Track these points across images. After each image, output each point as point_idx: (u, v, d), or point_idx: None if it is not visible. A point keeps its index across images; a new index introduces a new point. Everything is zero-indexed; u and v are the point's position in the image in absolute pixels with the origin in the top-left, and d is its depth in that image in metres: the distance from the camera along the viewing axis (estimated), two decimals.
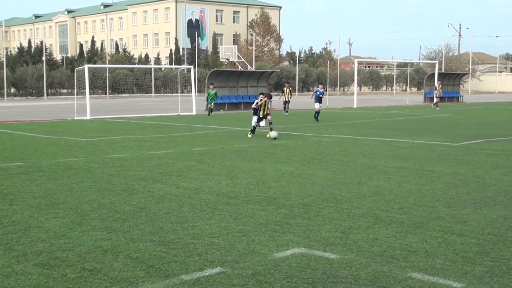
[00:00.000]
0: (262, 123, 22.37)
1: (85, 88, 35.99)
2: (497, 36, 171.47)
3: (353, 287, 6.09)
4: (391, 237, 7.96)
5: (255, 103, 22.72)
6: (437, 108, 43.96)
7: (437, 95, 46.76)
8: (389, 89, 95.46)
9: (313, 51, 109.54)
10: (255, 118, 22.59)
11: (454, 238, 7.92)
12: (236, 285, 6.13)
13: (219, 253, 7.20)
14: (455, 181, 12.36)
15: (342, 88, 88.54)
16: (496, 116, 36.01)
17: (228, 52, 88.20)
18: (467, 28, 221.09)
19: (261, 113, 22.23)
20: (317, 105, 31.26)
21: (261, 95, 23.12)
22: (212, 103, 35.76)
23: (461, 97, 60.84)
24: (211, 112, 35.62)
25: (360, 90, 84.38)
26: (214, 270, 6.58)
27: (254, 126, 22.25)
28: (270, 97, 23.49)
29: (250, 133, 22.30)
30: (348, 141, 20.53)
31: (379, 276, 6.40)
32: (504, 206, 9.95)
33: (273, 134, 21.26)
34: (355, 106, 45.90)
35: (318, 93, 31.87)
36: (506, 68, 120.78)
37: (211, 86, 36.06)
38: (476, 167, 14.27)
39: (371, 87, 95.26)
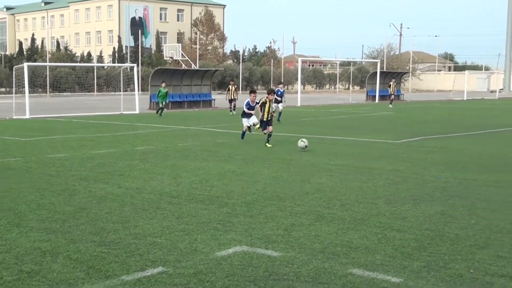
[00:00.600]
0: (263, 129, 19.04)
1: (24, 87, 35.20)
2: (436, 36, 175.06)
3: (294, 284, 6.14)
4: (333, 234, 8.05)
5: (249, 104, 19.84)
6: (390, 106, 44.39)
7: (392, 93, 47.00)
8: (332, 87, 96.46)
9: (257, 50, 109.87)
10: (247, 121, 19.88)
11: (393, 234, 8.06)
12: (178, 285, 6.11)
13: (161, 252, 7.16)
14: (395, 178, 12.58)
15: (286, 87, 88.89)
16: (434, 114, 36.80)
17: (172, 51, 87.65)
18: (408, 28, 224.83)
19: (265, 115, 18.64)
20: (279, 106, 29.88)
21: (252, 94, 20.02)
22: (164, 102, 34.25)
23: (402, 96, 61.93)
24: (162, 111, 33.66)
25: (303, 88, 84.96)
26: (155, 270, 6.54)
27: (250, 125, 19.78)
28: (275, 92, 20.53)
29: (242, 137, 19.76)
30: (290, 139, 20.65)
31: (320, 273, 6.47)
32: (441, 202, 10.18)
33: (302, 144, 17.23)
34: (298, 105, 46.22)
35: (279, 93, 30.51)
36: (444, 67, 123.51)
37: (163, 84, 35.00)
38: (415, 164, 14.56)
39: (315, 85, 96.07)
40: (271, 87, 30.78)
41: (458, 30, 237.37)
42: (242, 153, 16.54)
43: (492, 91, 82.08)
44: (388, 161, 15.00)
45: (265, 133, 18.66)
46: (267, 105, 18.65)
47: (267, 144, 18.24)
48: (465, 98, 61.41)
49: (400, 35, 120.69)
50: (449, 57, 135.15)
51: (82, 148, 17.57)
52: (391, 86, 47.52)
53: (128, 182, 11.94)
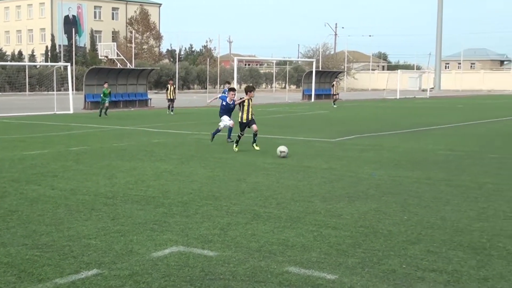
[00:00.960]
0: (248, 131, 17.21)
1: None
2: (370, 36, 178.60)
3: (231, 284, 6.15)
4: (269, 232, 8.10)
5: (227, 100, 18.48)
6: (334, 106, 44.80)
7: (334, 93, 47.31)
8: (269, 86, 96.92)
9: (193, 49, 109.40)
10: (226, 120, 18.70)
11: (329, 231, 8.16)
12: (113, 286, 6.03)
13: (96, 254, 7.05)
14: (331, 176, 12.75)
15: (222, 86, 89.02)
16: (369, 113, 37.45)
17: (107, 50, 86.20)
18: (343, 28, 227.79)
19: (245, 116, 16.89)
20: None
21: (231, 92, 18.52)
22: (106, 102, 33.33)
23: (337, 95, 62.67)
24: (105, 111, 32.80)
25: (240, 88, 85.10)
26: (90, 272, 6.44)
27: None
28: (254, 90, 18.01)
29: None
30: (224, 137, 20.66)
31: (256, 272, 6.49)
32: (375, 199, 10.37)
33: (281, 148, 15.69)
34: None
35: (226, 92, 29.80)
36: (378, 66, 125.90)
37: (105, 85, 34.13)
38: (350, 162, 14.78)
39: (251, 84, 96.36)
40: (245, 86, 25.99)
41: (391, 30, 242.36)
42: (178, 153, 16.45)
43: (423, 90, 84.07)
44: (323, 160, 15.18)
45: (241, 135, 16.82)
46: (246, 104, 16.89)
47: (254, 145, 16.91)
48: (398, 97, 62.74)
49: (335, 34, 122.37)
50: (382, 56, 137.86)
51: (13, 149, 17.13)
52: (334, 86, 48.00)
53: (61, 183, 11.71)
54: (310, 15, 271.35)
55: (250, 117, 16.81)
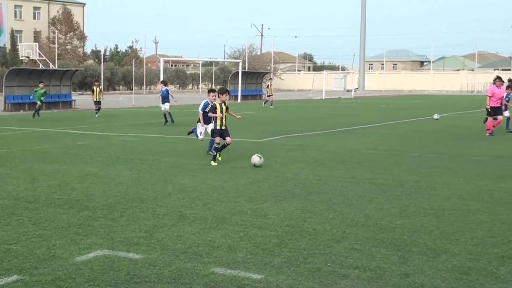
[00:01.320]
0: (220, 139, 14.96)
1: None
2: (296, 37, 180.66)
3: (156, 286, 6.09)
4: (195, 233, 8.07)
5: (206, 107, 15.85)
6: (271, 107, 44.85)
7: (269, 94, 47.32)
8: (195, 87, 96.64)
9: (118, 50, 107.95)
10: (201, 128, 16.81)
11: (255, 231, 8.20)
12: None
13: (17, 260, 6.86)
14: (257, 176, 12.81)
15: (148, 87, 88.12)
16: (295, 113, 37.84)
17: (28, 50, 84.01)
18: (269, 29, 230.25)
19: (218, 122, 14.86)
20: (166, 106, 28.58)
21: (212, 94, 15.81)
22: (39, 102, 31.95)
23: (264, 95, 63.13)
24: (38, 113, 31.34)
25: (155, 88, 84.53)
26: (10, 278, 6.26)
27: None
28: (228, 92, 15.93)
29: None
30: (153, 140, 20.51)
31: (182, 273, 6.46)
32: (301, 198, 10.49)
33: (255, 159, 14.24)
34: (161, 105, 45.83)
35: (163, 93, 29.13)
36: (304, 67, 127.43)
37: (40, 85, 32.94)
38: (276, 162, 14.89)
39: (178, 85, 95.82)
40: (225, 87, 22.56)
41: (317, 31, 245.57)
42: (103, 155, 16.18)
43: (348, 90, 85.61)
44: (250, 160, 15.19)
45: (217, 145, 14.82)
46: (218, 109, 14.83)
47: (217, 157, 14.79)
48: (323, 97, 63.65)
49: (262, 35, 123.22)
50: (308, 57, 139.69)
51: None
52: (269, 87, 48.14)
53: None
54: (236, 16, 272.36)
55: (225, 124, 14.88)
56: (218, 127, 14.88)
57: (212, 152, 15.07)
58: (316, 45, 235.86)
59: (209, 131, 16.18)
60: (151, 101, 53.44)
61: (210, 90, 16.23)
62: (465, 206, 9.93)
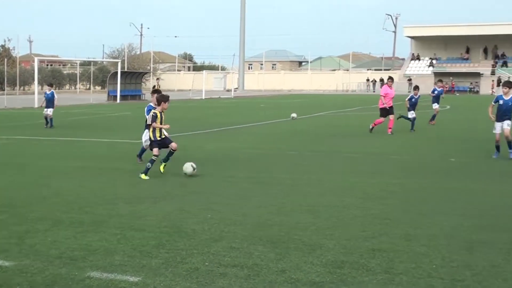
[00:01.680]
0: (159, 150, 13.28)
1: None
2: (176, 37, 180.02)
3: None
4: (71, 238, 7.86)
5: (150, 116, 13.28)
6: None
7: None
8: (73, 88, 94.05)
9: None
10: (147, 136, 14.00)
11: (132, 233, 8.10)
12: None
13: None
14: (135, 178, 12.63)
15: (22, 87, 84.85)
16: (175, 113, 37.57)
17: None
18: (148, 28, 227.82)
19: (157, 132, 13.13)
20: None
21: (155, 95, 13.88)
22: None
23: (143, 95, 62.41)
24: None
25: (42, 89, 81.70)
26: None
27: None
28: (166, 99, 13.40)
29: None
30: (25, 142, 19.78)
31: (56, 279, 6.27)
32: (180, 198, 10.48)
33: (188, 169, 12.92)
34: (36, 106, 44.32)
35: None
36: (184, 67, 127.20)
37: None
38: (156, 163, 14.70)
39: (54, 86, 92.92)
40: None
41: (197, 31, 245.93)
42: None
43: (228, 90, 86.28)
44: (130, 161, 15.00)
45: (155, 157, 12.99)
46: (158, 117, 13.03)
47: (163, 165, 13.39)
48: (203, 97, 63.74)
49: (141, 35, 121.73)
50: (188, 57, 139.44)
51: None
52: (156, 86, 47.57)
53: None
54: (115, 15, 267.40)
55: (164, 133, 13.38)
56: (158, 138, 13.15)
57: (142, 161, 14.05)
58: (196, 45, 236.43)
59: (143, 139, 14.65)
60: (25, 102, 51.56)
61: (155, 91, 14.44)
62: (340, 202, 10.27)
